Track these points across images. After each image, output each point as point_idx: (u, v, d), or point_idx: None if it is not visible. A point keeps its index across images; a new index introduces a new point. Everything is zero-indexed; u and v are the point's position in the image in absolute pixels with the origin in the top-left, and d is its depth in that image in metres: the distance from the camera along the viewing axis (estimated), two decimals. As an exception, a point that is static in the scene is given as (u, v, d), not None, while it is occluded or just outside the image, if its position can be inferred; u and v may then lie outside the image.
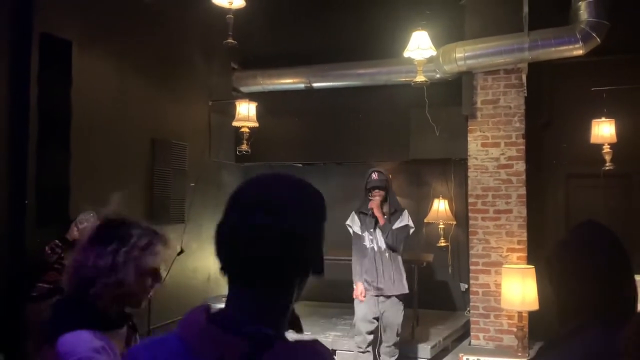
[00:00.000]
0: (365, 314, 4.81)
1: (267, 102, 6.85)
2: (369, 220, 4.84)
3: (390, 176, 5.32)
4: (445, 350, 5.69)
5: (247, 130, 6.37)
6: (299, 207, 1.02)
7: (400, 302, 4.82)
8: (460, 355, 4.49)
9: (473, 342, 5.61)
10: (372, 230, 4.83)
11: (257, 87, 7.15)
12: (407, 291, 4.86)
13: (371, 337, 4.83)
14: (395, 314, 4.78)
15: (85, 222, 4.35)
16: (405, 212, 4.88)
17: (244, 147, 6.41)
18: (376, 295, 4.76)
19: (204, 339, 0.96)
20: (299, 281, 1.04)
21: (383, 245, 4.79)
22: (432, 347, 5.45)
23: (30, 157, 4.37)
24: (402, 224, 4.80)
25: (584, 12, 5.24)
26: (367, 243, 4.84)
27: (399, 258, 4.85)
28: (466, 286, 6.34)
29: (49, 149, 4.51)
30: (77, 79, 4.76)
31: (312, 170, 7.40)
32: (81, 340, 1.56)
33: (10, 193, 4.32)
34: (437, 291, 6.98)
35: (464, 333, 6.02)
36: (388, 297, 4.76)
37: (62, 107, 4.64)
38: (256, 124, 6.40)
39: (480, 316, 5.57)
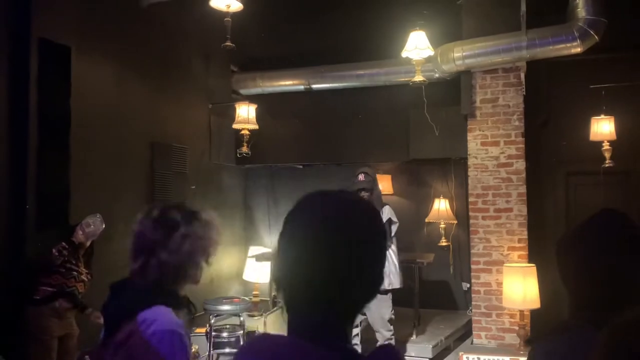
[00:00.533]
0: None
1: (266, 104, 6.87)
2: None
3: (378, 176, 5.32)
4: (447, 350, 5.69)
5: (247, 132, 6.39)
6: (365, 224, 1.02)
7: (383, 297, 4.78)
8: (460, 354, 4.49)
9: (475, 341, 5.60)
10: None
11: (257, 90, 7.16)
12: (385, 287, 4.77)
13: (355, 330, 4.81)
14: (377, 309, 4.78)
15: (92, 225, 4.36)
16: (386, 208, 4.87)
17: (244, 149, 6.44)
18: None
19: (293, 355, 0.94)
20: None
21: None
22: (434, 347, 5.45)
23: (30, 162, 4.39)
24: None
25: (581, 10, 5.23)
26: None
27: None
28: (468, 285, 6.34)
29: (49, 154, 4.53)
30: (76, 84, 4.78)
31: (312, 172, 7.41)
32: (164, 313, 1.57)
33: (11, 198, 4.34)
34: (438, 291, 6.98)
35: (466, 332, 6.02)
36: None
37: (61, 112, 4.65)
38: (256, 126, 6.43)
39: (482, 315, 5.56)
